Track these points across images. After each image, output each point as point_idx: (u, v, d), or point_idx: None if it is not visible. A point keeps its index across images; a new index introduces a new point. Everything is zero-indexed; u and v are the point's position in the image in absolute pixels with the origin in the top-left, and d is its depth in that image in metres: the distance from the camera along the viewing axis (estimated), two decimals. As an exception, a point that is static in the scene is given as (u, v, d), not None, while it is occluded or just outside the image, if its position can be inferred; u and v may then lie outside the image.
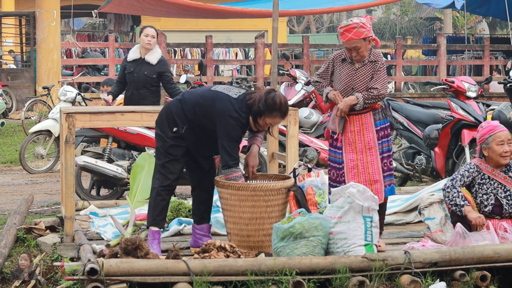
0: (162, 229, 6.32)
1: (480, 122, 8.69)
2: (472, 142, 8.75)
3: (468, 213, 6.03)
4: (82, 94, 11.65)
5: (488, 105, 9.46)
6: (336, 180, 6.22)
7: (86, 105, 12.18)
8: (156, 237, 6.04)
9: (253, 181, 6.26)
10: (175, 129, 6.05)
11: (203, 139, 6.07)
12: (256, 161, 6.26)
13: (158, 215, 6.09)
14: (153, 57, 9.22)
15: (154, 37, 9.19)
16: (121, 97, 9.70)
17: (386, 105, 6.29)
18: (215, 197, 6.48)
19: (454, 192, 6.12)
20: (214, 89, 6.11)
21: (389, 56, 23.87)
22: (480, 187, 6.23)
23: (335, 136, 6.21)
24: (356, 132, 6.15)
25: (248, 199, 5.98)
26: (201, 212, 6.32)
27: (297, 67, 16.89)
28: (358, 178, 6.12)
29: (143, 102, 9.14)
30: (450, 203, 6.12)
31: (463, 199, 6.08)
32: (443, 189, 6.24)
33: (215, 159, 6.44)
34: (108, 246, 6.08)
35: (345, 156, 6.18)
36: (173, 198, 7.14)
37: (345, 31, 6.06)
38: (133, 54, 9.30)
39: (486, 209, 6.21)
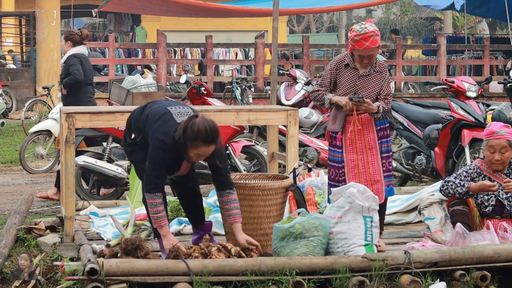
0: None
1: (480, 122, 8.70)
2: (472, 142, 8.75)
3: (475, 186, 6.08)
4: (82, 94, 11.60)
5: (488, 105, 9.45)
6: (335, 179, 6.20)
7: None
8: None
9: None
10: (133, 136, 5.85)
11: None
12: (244, 237, 5.70)
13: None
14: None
15: None
16: None
17: (387, 106, 6.28)
18: (214, 197, 6.46)
19: (451, 184, 6.13)
20: (170, 109, 5.67)
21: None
22: (481, 188, 6.23)
23: (335, 135, 6.20)
24: (356, 132, 6.14)
25: (246, 198, 5.98)
26: (190, 216, 6.16)
27: (297, 67, 16.87)
28: (359, 178, 6.11)
29: None
30: (454, 195, 6.11)
31: (462, 184, 6.09)
32: (440, 190, 6.24)
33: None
34: (108, 246, 6.07)
35: (345, 156, 6.17)
36: (173, 198, 7.13)
37: (362, 39, 5.98)
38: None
39: (487, 210, 6.21)
